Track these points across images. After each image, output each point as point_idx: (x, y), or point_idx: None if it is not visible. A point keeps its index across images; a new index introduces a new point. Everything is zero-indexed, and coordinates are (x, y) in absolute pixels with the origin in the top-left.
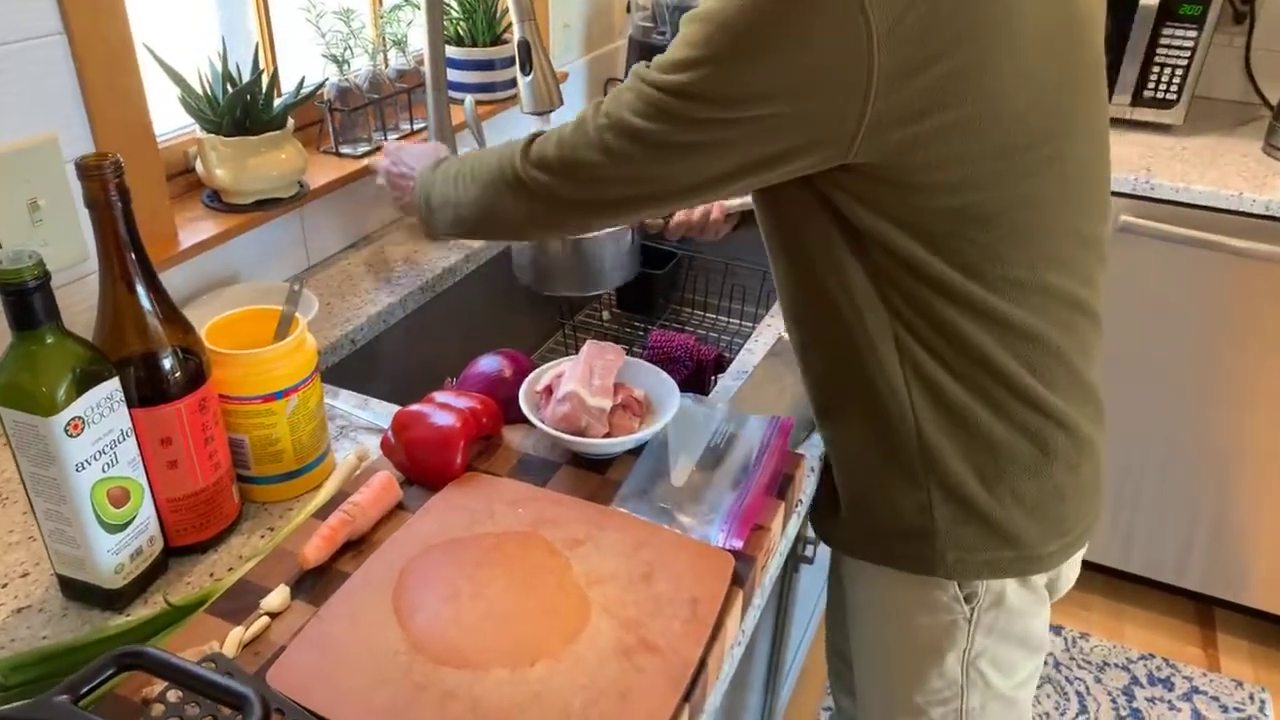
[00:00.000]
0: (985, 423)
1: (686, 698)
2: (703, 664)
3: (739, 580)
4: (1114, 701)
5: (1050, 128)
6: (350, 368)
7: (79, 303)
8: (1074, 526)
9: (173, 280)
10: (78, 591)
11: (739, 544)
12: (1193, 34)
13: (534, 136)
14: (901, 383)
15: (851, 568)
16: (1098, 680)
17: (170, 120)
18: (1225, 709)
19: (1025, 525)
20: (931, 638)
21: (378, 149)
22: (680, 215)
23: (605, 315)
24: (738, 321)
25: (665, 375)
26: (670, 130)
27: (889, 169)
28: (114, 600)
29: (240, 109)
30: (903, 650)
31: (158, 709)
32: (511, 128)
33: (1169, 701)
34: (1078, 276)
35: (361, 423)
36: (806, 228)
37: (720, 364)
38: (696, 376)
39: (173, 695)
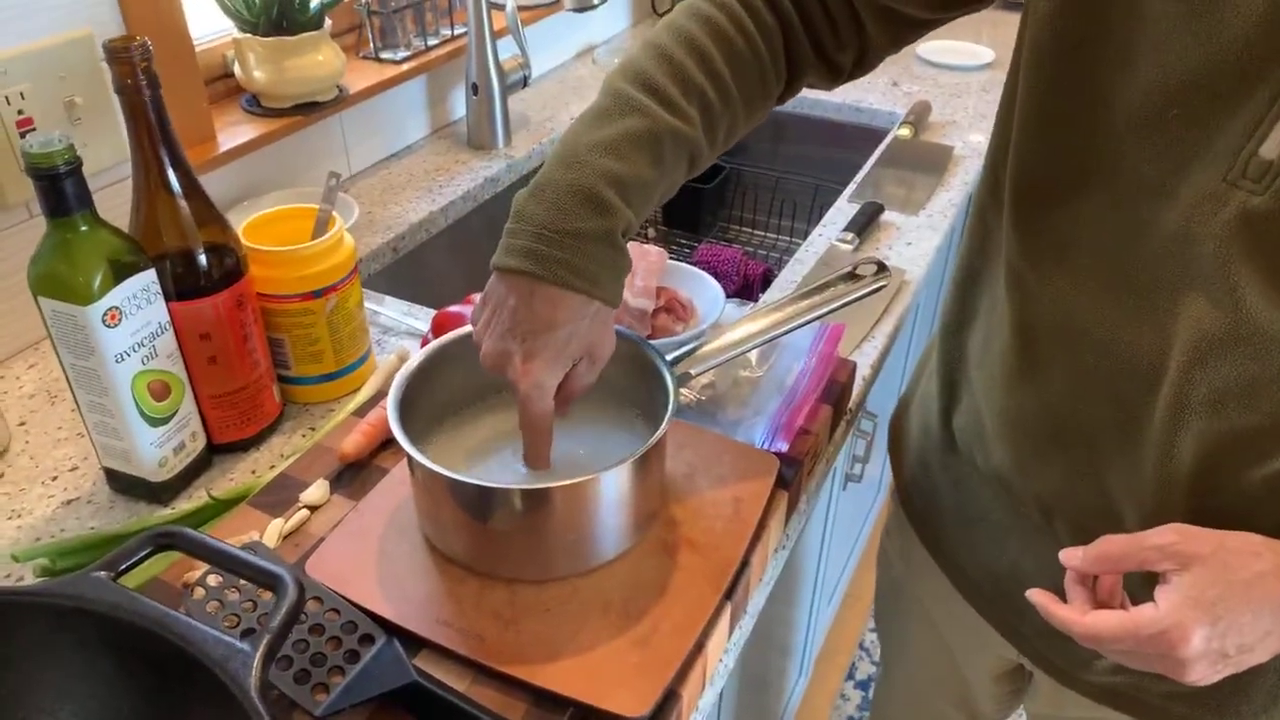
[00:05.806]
0: None
1: (728, 596)
2: (745, 564)
3: (783, 483)
4: None
5: None
6: (392, 276)
7: (118, 206)
8: None
9: (212, 185)
10: (124, 484)
11: (784, 446)
12: None
13: None
14: None
15: None
16: None
17: (207, 25)
18: None
19: None
20: None
21: (416, 54)
22: None
23: (650, 232)
24: (787, 238)
25: (709, 278)
26: None
27: None
28: (158, 493)
29: (276, 9)
30: None
31: (199, 592)
32: (556, 34)
33: None
34: None
35: (403, 328)
36: None
37: (768, 280)
38: (744, 292)
39: (213, 580)
